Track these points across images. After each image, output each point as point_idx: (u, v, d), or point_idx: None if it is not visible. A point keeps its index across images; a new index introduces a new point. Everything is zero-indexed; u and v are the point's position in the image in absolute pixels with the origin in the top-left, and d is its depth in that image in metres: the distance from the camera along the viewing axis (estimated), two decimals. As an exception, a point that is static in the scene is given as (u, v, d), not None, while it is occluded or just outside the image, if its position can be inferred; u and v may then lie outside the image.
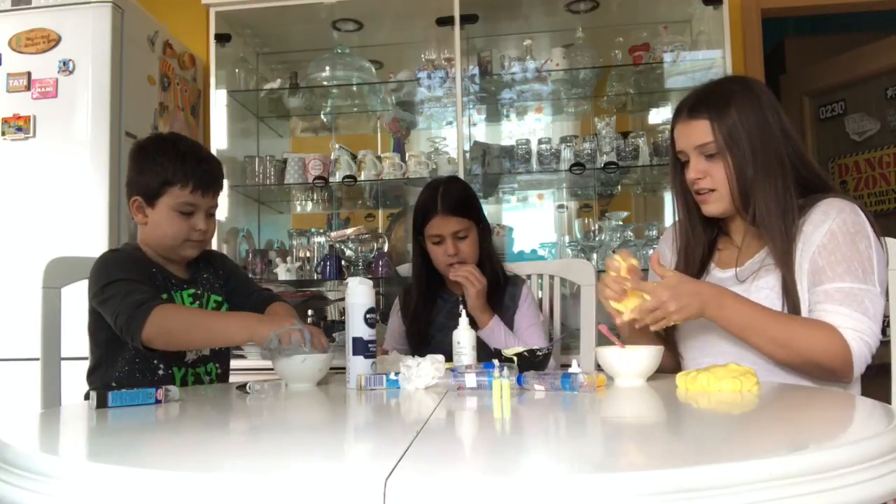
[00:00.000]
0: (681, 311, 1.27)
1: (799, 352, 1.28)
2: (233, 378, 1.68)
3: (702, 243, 1.52)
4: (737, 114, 1.37)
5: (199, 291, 1.62)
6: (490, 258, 1.91)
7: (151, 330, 1.38)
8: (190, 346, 1.54)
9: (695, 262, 1.51)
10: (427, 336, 1.89)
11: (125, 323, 1.39)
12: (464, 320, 1.50)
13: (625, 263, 1.34)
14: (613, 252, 1.36)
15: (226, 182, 2.86)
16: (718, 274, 1.48)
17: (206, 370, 1.62)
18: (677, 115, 1.46)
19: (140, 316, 1.38)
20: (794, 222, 1.36)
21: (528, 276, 2.13)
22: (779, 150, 1.37)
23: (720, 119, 1.38)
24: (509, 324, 1.86)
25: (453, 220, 1.83)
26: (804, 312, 1.33)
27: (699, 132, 1.40)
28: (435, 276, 1.94)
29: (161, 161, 1.53)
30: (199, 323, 1.47)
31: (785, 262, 1.35)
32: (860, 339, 1.27)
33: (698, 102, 1.42)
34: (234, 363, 1.71)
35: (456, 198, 1.86)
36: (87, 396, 1.56)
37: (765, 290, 1.37)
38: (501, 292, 1.90)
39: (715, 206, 1.43)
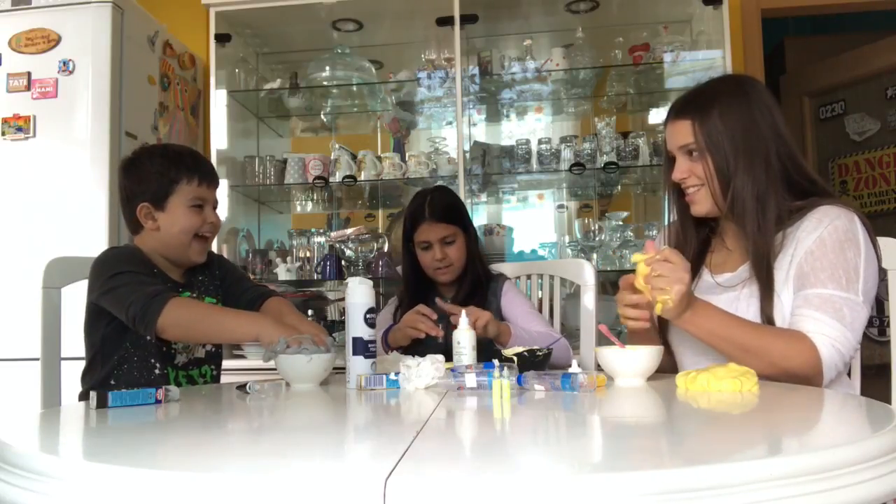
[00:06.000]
0: (683, 289, 1.25)
1: (770, 360, 1.28)
2: (233, 378, 1.67)
3: (693, 243, 1.52)
4: (719, 114, 1.37)
5: (194, 294, 1.62)
6: (475, 262, 1.98)
7: (167, 320, 1.39)
8: (200, 339, 1.57)
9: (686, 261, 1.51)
10: (420, 339, 1.87)
11: (140, 311, 1.39)
12: (464, 320, 1.50)
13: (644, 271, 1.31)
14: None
15: (226, 182, 2.88)
16: (708, 279, 1.48)
17: (200, 372, 1.62)
18: (667, 115, 1.47)
19: (157, 305, 1.39)
20: (772, 224, 1.35)
21: (529, 276, 2.14)
22: (766, 150, 1.36)
23: (701, 120, 1.38)
24: (496, 316, 1.86)
25: (440, 227, 1.91)
26: (788, 317, 1.33)
27: (682, 132, 1.41)
28: (427, 282, 1.99)
29: (160, 164, 1.55)
30: (211, 318, 1.47)
31: (757, 262, 1.35)
32: (831, 345, 1.26)
33: (685, 103, 1.43)
34: (234, 363, 1.72)
35: (443, 205, 1.94)
36: (80, 397, 1.56)
37: (753, 298, 1.37)
38: (484, 290, 1.97)
39: (700, 205, 1.43)
